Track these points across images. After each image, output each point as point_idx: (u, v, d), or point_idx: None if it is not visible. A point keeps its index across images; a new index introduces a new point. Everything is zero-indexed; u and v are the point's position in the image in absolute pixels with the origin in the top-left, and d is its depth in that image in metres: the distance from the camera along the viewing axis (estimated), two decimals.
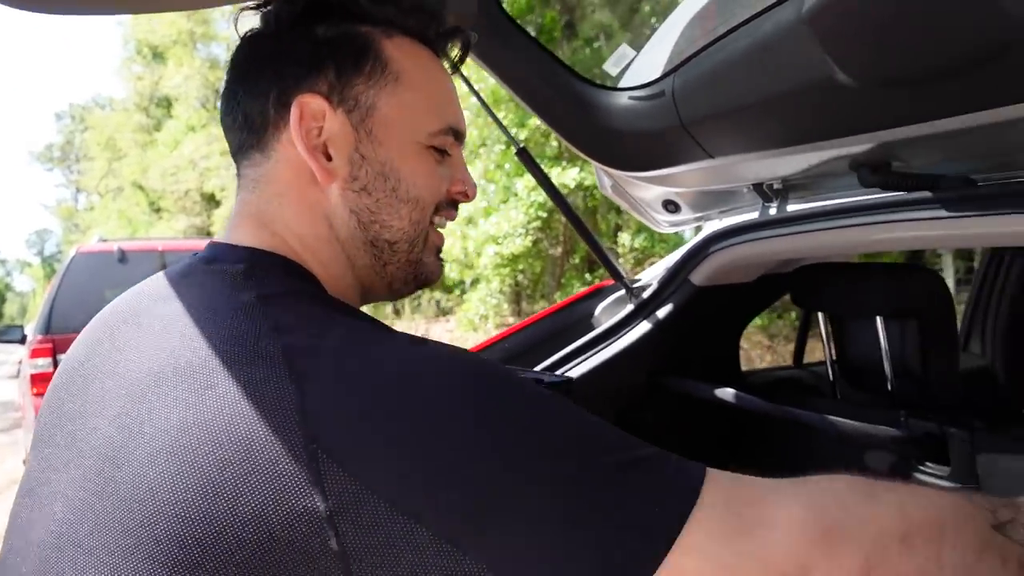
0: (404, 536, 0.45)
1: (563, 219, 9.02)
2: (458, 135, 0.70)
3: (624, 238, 8.45)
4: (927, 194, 0.95)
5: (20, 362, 6.65)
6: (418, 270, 0.70)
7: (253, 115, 0.65)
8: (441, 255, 0.73)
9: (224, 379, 0.49)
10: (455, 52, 0.75)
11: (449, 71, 0.73)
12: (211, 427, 0.47)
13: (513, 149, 1.23)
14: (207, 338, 0.53)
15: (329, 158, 0.64)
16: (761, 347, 6.94)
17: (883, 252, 1.62)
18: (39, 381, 4.10)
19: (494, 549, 0.46)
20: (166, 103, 23.82)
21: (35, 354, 4.20)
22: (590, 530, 0.47)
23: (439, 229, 0.72)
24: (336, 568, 0.45)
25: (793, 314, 7.00)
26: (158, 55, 23.73)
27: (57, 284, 4.67)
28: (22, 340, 6.14)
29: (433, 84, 0.69)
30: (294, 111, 0.62)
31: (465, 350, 0.57)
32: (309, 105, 0.63)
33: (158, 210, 22.01)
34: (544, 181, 1.34)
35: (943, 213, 0.91)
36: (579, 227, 1.36)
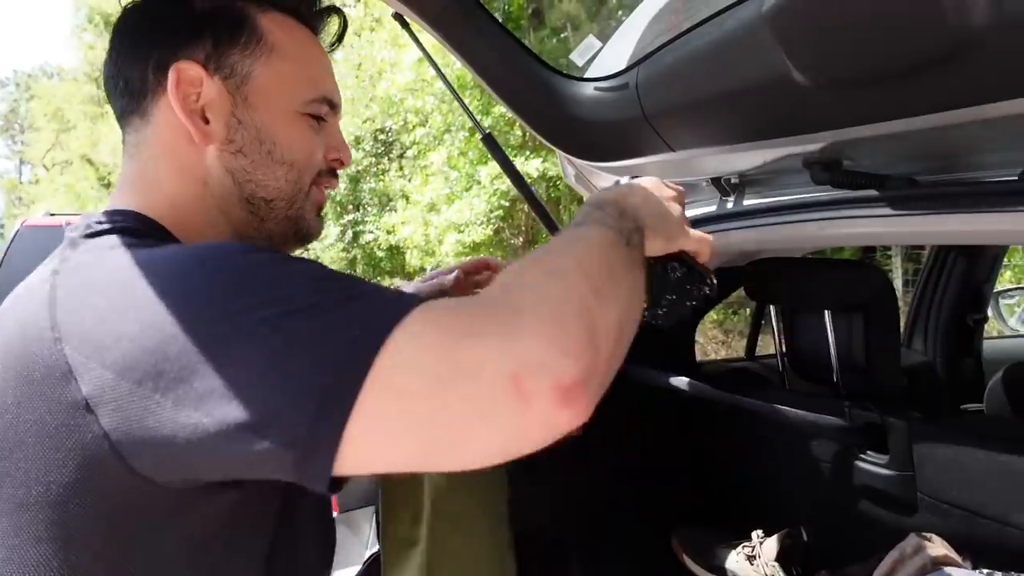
0: (148, 408, 0.49)
1: (525, 209, 9.04)
2: (332, 105, 0.75)
3: None
4: (874, 192, 0.99)
5: None
6: (298, 226, 0.75)
7: (134, 80, 0.69)
8: (322, 214, 0.79)
9: (11, 323, 0.57)
10: (334, 28, 0.80)
11: (326, 47, 0.79)
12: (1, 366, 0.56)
13: (478, 136, 1.23)
14: (14, 296, 0.61)
15: (207, 121, 0.69)
16: (716, 342, 7.08)
17: (837, 248, 1.68)
18: None
19: (212, 402, 0.48)
20: None
21: None
22: (302, 350, 0.47)
23: (326, 192, 0.78)
24: (108, 451, 0.50)
25: (748, 310, 7.16)
26: (110, 24, 22.92)
27: (1, 258, 4.52)
28: None
29: (307, 56, 0.74)
30: (171, 75, 0.67)
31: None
32: (186, 71, 0.67)
33: (108, 185, 21.32)
34: (509, 168, 1.34)
35: (888, 211, 0.94)
36: (542, 215, 1.37)
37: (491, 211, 8.34)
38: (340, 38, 0.81)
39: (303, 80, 0.72)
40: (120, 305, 0.52)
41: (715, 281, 0.75)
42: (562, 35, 8.20)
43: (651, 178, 0.79)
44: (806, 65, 0.86)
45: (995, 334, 2.64)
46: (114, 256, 0.57)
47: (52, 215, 5.11)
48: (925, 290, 2.11)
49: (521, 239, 9.25)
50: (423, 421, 0.46)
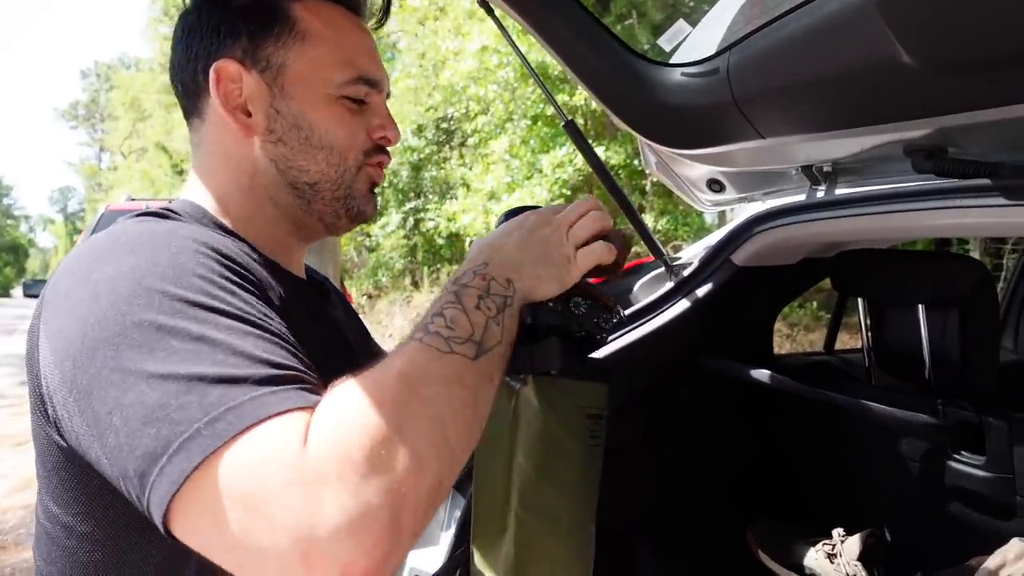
0: (64, 395, 0.54)
1: (586, 198, 8.95)
2: (371, 83, 0.75)
3: (647, 220, 8.41)
4: (983, 182, 0.95)
5: None
6: (348, 206, 0.77)
7: (188, 84, 0.74)
8: (374, 190, 0.79)
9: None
10: (376, 6, 0.80)
11: (371, 24, 0.80)
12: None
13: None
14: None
15: (249, 115, 0.72)
16: (780, 335, 6.91)
17: (915, 240, 1.61)
18: None
19: (77, 418, 0.53)
20: None
21: None
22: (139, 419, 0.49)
23: (379, 170, 0.78)
24: (58, 435, 0.57)
25: (815, 303, 6.96)
26: None
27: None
28: None
29: (341, 39, 0.74)
30: (212, 75, 0.70)
31: (186, 240, 0.60)
32: (225, 69, 0.70)
33: (181, 172, 22.10)
34: (590, 156, 1.34)
35: (1000, 201, 0.90)
36: (622, 202, 1.37)
37: (552, 200, 8.31)
38: (385, 13, 0.81)
39: (336, 63, 0.73)
40: (63, 284, 0.58)
41: (620, 308, 0.75)
42: (627, 23, 8.09)
43: (534, 211, 0.73)
44: (917, 47, 0.82)
45: None
46: (101, 234, 0.62)
47: (133, 199, 5.33)
48: (1018, 286, 2.01)
49: None
50: (223, 541, 0.47)
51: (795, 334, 6.92)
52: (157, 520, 0.48)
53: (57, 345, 0.55)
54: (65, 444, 0.57)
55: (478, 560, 0.72)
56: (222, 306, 0.55)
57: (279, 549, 0.44)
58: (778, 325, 7.28)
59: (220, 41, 0.71)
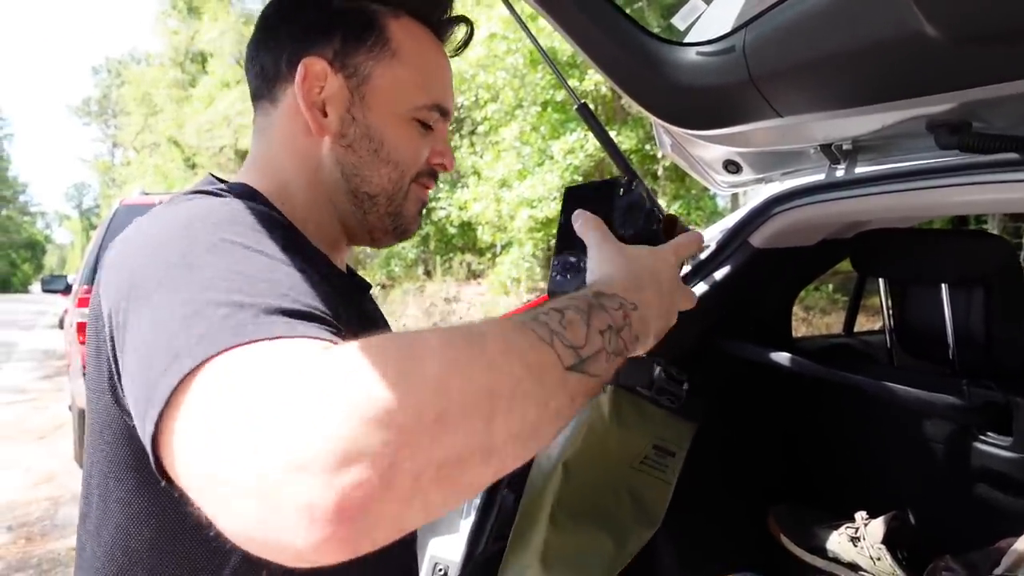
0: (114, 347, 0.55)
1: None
2: (443, 112, 0.78)
3: (661, 205, 8.37)
4: (1009, 156, 0.92)
5: (65, 312, 6.83)
6: (396, 222, 0.78)
7: (268, 67, 0.75)
8: (422, 212, 0.82)
9: None
10: (460, 36, 0.83)
11: (450, 52, 0.82)
12: None
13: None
14: None
15: (325, 115, 0.73)
16: (796, 318, 6.86)
17: (933, 219, 1.58)
18: (85, 329, 4.21)
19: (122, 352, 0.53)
20: (201, 59, 23.89)
21: (82, 303, 4.31)
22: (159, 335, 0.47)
23: (426, 191, 0.80)
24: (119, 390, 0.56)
25: (830, 286, 6.90)
26: (193, 10, 23.73)
27: (101, 235, 4.77)
28: (66, 290, 6.31)
29: (427, 64, 0.77)
30: (300, 69, 0.71)
31: (229, 208, 0.62)
32: (314, 66, 0.71)
33: (193, 166, 22.22)
34: (605, 139, 1.32)
35: None
36: (639, 185, 1.35)
37: (567, 183, 8.28)
38: (465, 45, 0.84)
39: (418, 87, 0.75)
40: (117, 247, 0.60)
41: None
42: (636, 4, 8.01)
43: (664, 253, 0.70)
44: (942, 18, 0.80)
45: None
46: (164, 207, 0.63)
47: (146, 194, 5.35)
48: None
49: None
50: (202, 460, 0.40)
51: (811, 317, 6.88)
52: (149, 451, 0.44)
53: (109, 297, 0.56)
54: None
55: (514, 544, 0.72)
56: (266, 249, 0.55)
57: (255, 471, 0.37)
58: (794, 308, 7.23)
59: (313, 37, 0.73)
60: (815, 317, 6.87)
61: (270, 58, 0.74)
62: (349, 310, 0.73)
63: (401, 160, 0.75)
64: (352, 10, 0.74)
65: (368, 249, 13.24)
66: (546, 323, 0.49)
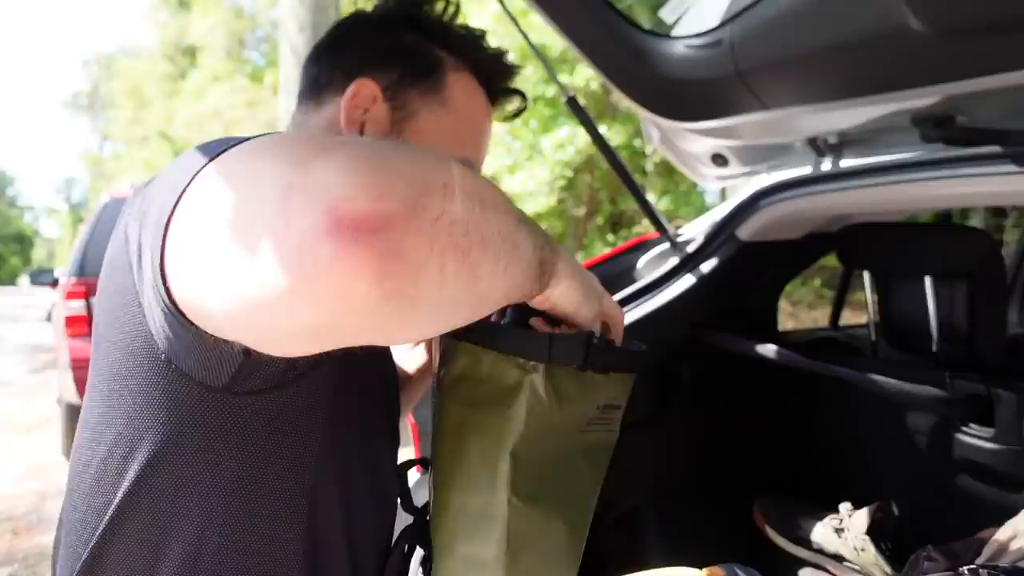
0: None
1: (588, 179, 8.93)
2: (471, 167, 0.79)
3: (648, 199, 8.37)
4: (992, 149, 0.93)
5: (52, 305, 6.78)
6: None
7: (324, 74, 0.77)
8: None
9: None
10: (511, 107, 0.86)
11: (499, 117, 0.86)
12: None
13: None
14: None
15: (361, 134, 0.74)
16: (783, 313, 6.90)
17: (920, 212, 1.59)
18: (73, 323, 4.18)
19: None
20: (191, 52, 23.72)
21: (70, 296, 4.27)
22: None
23: None
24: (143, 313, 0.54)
25: (817, 281, 6.94)
26: (184, 3, 23.56)
27: (90, 229, 4.73)
28: (54, 284, 6.25)
29: (471, 121, 0.80)
30: (353, 87, 0.73)
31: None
32: (366, 88, 0.74)
33: None
34: (593, 132, 1.32)
35: (1010, 168, 0.89)
36: (625, 178, 1.35)
37: (553, 181, 8.27)
38: (516, 116, 0.88)
39: (456, 139, 0.78)
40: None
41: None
42: (627, 1, 8.00)
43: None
44: (926, 12, 0.81)
45: None
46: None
47: (135, 187, 5.31)
48: (1022, 259, 1.99)
49: (583, 209, 9.17)
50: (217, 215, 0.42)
51: (797, 311, 6.91)
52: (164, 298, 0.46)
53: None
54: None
55: (447, 539, 0.69)
56: None
57: (263, 190, 0.40)
58: (780, 303, 7.25)
59: (375, 62, 0.75)
60: (802, 311, 6.91)
61: (328, 66, 0.77)
62: None
63: None
64: (420, 51, 0.77)
65: None
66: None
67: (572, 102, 1.31)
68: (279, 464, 0.60)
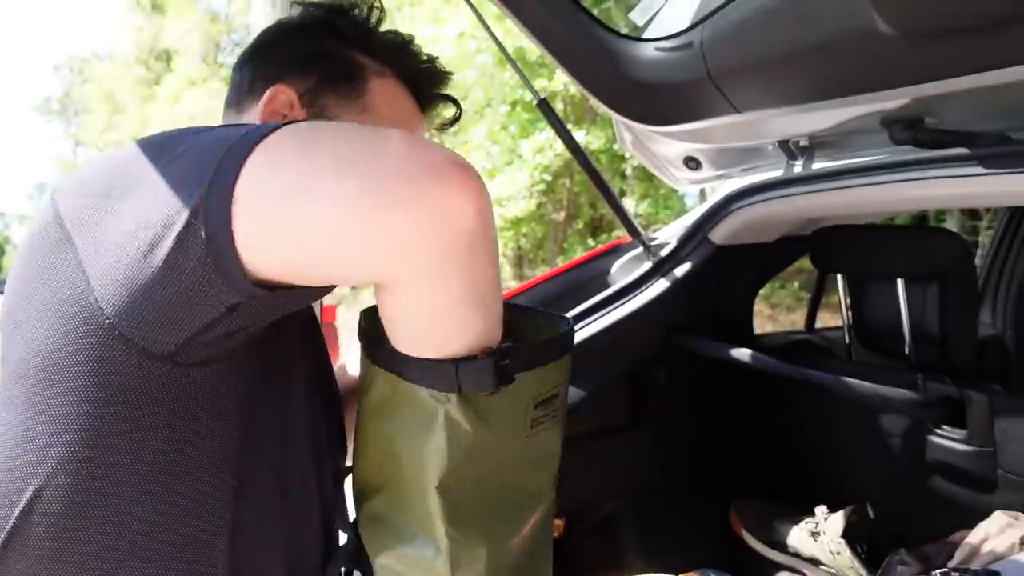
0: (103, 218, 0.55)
1: (567, 184, 8.94)
2: None
3: (628, 204, 8.40)
4: (961, 151, 0.93)
5: None
6: None
7: (245, 81, 0.77)
8: None
9: None
10: (448, 114, 0.86)
11: (434, 127, 0.85)
12: None
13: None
14: None
15: None
16: (762, 316, 6.95)
17: (896, 214, 1.60)
18: None
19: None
20: (166, 56, 23.47)
21: None
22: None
23: None
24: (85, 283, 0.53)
25: (796, 284, 6.99)
26: (158, 6, 23.30)
27: None
28: None
29: (395, 126, 0.75)
30: (268, 93, 0.73)
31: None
32: (282, 95, 0.73)
33: None
34: (564, 135, 1.31)
35: (978, 170, 0.89)
36: (598, 181, 1.34)
37: (533, 185, 8.27)
38: (452, 123, 0.87)
39: None
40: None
41: None
42: (604, 5, 8.03)
43: None
44: (894, 14, 0.80)
45: None
46: None
47: None
48: (995, 260, 2.01)
49: (563, 214, 9.18)
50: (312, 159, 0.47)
51: (776, 315, 6.96)
52: (223, 243, 0.48)
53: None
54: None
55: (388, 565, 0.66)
56: None
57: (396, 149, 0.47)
58: (759, 306, 7.31)
59: (293, 68, 0.75)
60: (780, 314, 6.96)
61: (249, 74, 0.76)
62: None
63: None
64: (339, 56, 0.76)
65: None
66: None
67: (543, 104, 1.30)
68: (206, 443, 0.58)
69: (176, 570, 0.58)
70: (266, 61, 0.76)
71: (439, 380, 0.56)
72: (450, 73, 0.84)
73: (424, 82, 0.81)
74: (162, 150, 0.54)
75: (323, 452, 0.73)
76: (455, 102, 0.86)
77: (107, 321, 0.52)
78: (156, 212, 0.50)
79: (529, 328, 0.67)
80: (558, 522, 1.46)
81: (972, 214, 4.54)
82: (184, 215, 0.48)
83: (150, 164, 0.53)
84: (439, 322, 0.53)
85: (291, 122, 0.52)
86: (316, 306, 0.85)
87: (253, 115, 0.74)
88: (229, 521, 0.60)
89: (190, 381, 0.56)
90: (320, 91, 0.75)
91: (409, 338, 0.56)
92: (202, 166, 0.49)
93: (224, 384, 0.58)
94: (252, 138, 0.49)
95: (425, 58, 0.82)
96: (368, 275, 0.52)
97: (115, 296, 0.51)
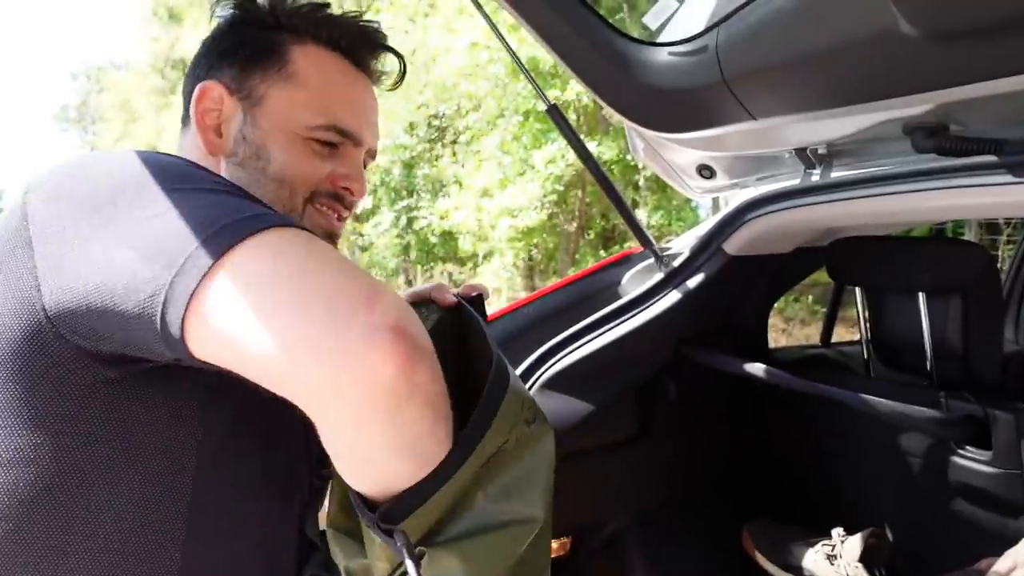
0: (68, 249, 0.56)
1: (579, 195, 8.91)
2: (346, 134, 0.78)
3: (640, 215, 8.35)
4: (987, 159, 0.89)
5: None
6: None
7: (186, 93, 0.80)
8: (333, 240, 0.81)
9: None
10: (390, 69, 0.86)
11: (382, 83, 0.85)
12: None
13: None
14: None
15: (221, 136, 0.76)
16: (776, 330, 6.87)
17: (917, 225, 1.55)
18: None
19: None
20: (182, 65, 23.70)
21: None
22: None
23: (328, 214, 0.79)
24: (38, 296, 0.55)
25: (810, 298, 6.91)
26: (175, 16, 23.57)
27: None
28: None
29: (328, 87, 0.78)
30: (196, 92, 0.76)
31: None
32: (211, 90, 0.76)
33: None
34: (574, 140, 1.29)
35: (1007, 179, 0.85)
36: (609, 190, 1.31)
37: (545, 196, 8.26)
38: (401, 78, 0.87)
39: (312, 108, 0.76)
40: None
41: None
42: (618, 16, 8.03)
43: None
44: (917, 15, 0.77)
45: None
46: None
47: None
48: (1019, 275, 1.96)
49: (575, 224, 9.15)
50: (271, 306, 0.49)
51: (791, 328, 6.88)
52: (174, 330, 0.50)
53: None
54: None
55: None
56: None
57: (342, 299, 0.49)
58: (773, 319, 7.23)
59: (218, 63, 0.77)
60: (795, 328, 6.88)
61: (188, 84, 0.79)
62: None
63: (289, 178, 0.75)
64: (259, 39, 0.77)
65: (349, 257, 13.17)
66: None
67: (553, 110, 1.27)
68: (156, 460, 0.59)
69: (129, 570, 0.58)
70: (200, 66, 0.79)
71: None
72: (375, 25, 0.83)
73: (348, 41, 0.80)
74: (150, 195, 0.56)
75: (299, 449, 0.73)
76: (395, 52, 0.85)
77: (54, 329, 0.54)
78: (124, 265, 0.52)
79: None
80: (564, 540, 1.42)
81: (991, 228, 4.47)
82: (148, 288, 0.51)
83: (133, 205, 0.55)
84: (361, 465, 0.54)
85: (268, 224, 0.53)
86: None
87: (191, 122, 0.77)
88: (185, 522, 0.61)
89: (143, 385, 0.58)
90: (245, 74, 0.76)
91: (341, 470, 0.56)
92: (177, 245, 0.51)
93: (181, 387, 0.60)
94: (225, 240, 0.51)
95: (342, 17, 0.81)
96: (299, 404, 0.52)
97: (67, 311, 0.54)
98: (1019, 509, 1.03)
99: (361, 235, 12.11)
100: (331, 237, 0.80)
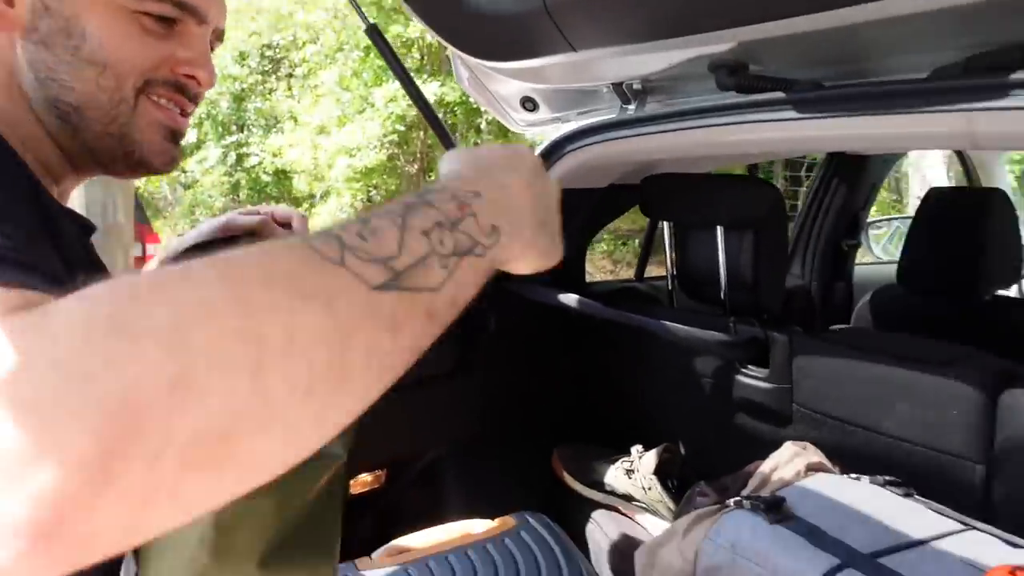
0: None
1: (422, 136, 8.76)
2: (186, 7, 0.61)
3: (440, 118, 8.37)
4: (781, 96, 0.96)
5: None
6: (126, 147, 0.62)
7: None
8: (176, 140, 0.65)
9: None
10: None
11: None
12: None
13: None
14: None
15: (11, 3, 0.57)
16: (604, 272, 7.24)
17: (724, 161, 1.65)
18: None
19: None
20: None
21: None
22: None
23: (168, 107, 0.63)
24: None
25: (636, 241, 7.33)
26: None
27: None
28: None
29: None
30: None
31: None
32: None
33: None
34: (393, 61, 1.23)
35: (795, 115, 0.92)
36: (434, 122, 1.27)
37: (385, 135, 8.04)
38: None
39: None
40: None
41: None
42: None
43: (532, 156, 0.54)
44: None
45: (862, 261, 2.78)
46: None
47: None
48: (807, 217, 2.17)
49: (416, 166, 9.01)
50: None
51: (618, 271, 7.28)
52: None
53: None
54: None
55: None
56: None
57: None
58: (603, 262, 7.61)
59: None
60: (622, 270, 7.29)
61: None
62: (76, 255, 0.57)
63: (114, 61, 0.59)
64: None
65: (168, 196, 12.13)
66: (337, 237, 0.36)
67: (372, 30, 1.20)
68: None
69: None
70: None
71: None
72: None
73: None
74: None
75: None
76: None
77: None
78: None
79: None
80: (379, 473, 1.42)
81: (795, 180, 4.92)
82: None
83: None
84: None
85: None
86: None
87: None
88: None
89: None
90: None
91: None
92: None
93: None
94: None
95: None
96: None
97: None
98: (787, 419, 1.15)
99: (184, 171, 11.17)
100: (175, 135, 0.65)
